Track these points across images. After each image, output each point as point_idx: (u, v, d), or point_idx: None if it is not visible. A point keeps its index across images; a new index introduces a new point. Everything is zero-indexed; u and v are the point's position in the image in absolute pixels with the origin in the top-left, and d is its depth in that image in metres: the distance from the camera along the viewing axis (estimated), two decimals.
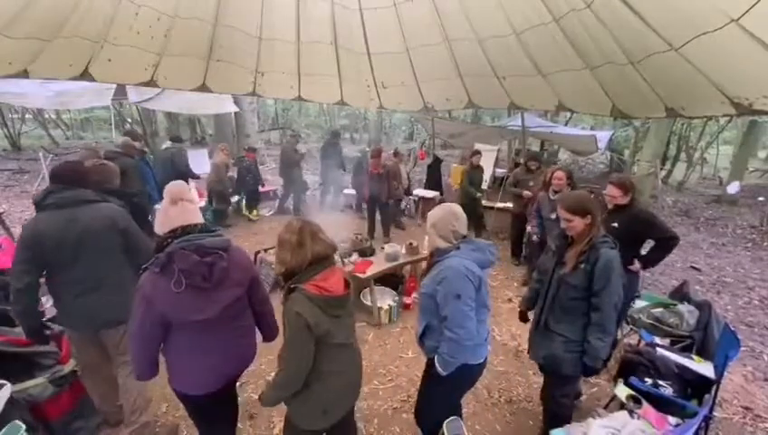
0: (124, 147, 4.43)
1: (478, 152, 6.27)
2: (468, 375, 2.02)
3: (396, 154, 7.33)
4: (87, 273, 2.12)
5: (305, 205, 7.67)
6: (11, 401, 1.93)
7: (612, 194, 3.05)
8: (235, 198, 7.62)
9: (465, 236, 1.95)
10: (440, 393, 2.11)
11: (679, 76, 3.23)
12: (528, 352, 2.44)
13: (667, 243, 2.97)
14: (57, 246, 2.02)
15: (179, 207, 1.73)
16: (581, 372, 2.15)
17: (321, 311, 1.57)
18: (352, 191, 7.75)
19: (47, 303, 2.98)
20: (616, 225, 2.91)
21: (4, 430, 1.78)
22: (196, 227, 1.72)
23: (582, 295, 2.05)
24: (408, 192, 7.79)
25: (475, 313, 1.85)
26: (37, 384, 2.23)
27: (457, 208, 1.99)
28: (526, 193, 5.02)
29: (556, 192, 3.92)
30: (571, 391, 2.41)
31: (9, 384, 1.95)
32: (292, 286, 1.62)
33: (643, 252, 3.13)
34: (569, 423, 2.19)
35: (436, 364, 1.91)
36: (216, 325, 1.71)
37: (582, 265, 2.03)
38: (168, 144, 6.43)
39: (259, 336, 2.02)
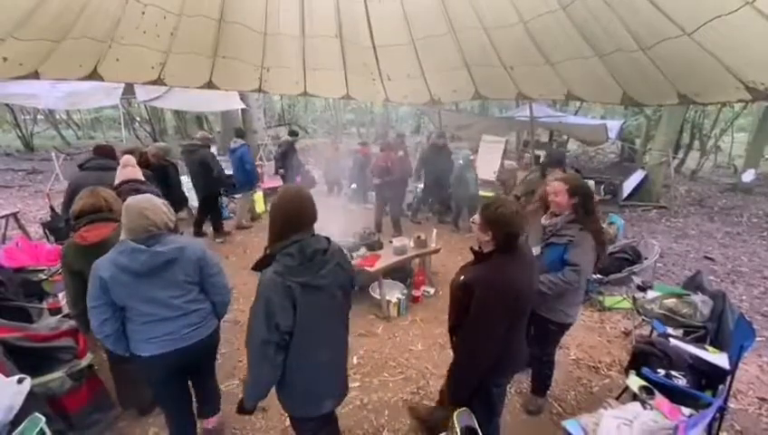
0: (203, 139, 5.86)
1: (560, 161, 4.26)
2: (141, 365, 1.98)
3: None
4: None
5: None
6: (31, 395, 1.98)
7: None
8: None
9: (149, 233, 1.86)
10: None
11: (692, 62, 3.15)
12: None
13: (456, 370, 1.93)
14: None
15: (125, 169, 2.97)
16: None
17: (80, 254, 2.06)
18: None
19: (63, 299, 3.05)
20: (463, 279, 1.86)
21: (24, 423, 1.83)
22: (135, 181, 2.84)
23: None
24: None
25: (120, 312, 1.88)
26: (56, 378, 2.29)
27: (134, 202, 1.89)
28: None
29: (555, 215, 2.47)
30: None
31: (29, 378, 2.00)
32: None
33: None
34: None
35: None
36: None
37: None
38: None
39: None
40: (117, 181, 2.76)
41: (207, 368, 2.37)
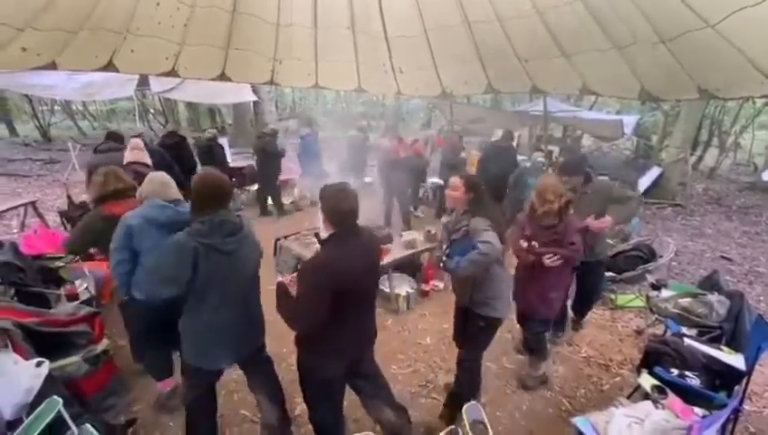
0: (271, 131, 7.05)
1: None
2: (137, 305, 2.21)
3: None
4: None
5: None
6: (49, 378, 2.04)
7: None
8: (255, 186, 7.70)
9: (171, 198, 2.22)
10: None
11: (715, 55, 3.05)
12: None
13: None
14: None
15: (133, 151, 3.50)
16: None
17: (105, 221, 2.31)
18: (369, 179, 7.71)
19: (81, 286, 3.12)
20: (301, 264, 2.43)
21: (43, 405, 1.88)
22: (140, 163, 3.35)
23: None
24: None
25: (135, 256, 2.13)
26: (72, 362, 2.36)
27: (157, 175, 2.30)
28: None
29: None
30: None
31: (47, 362, 2.06)
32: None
33: None
34: None
35: None
36: None
37: None
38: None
39: None
40: (126, 161, 3.29)
41: None
